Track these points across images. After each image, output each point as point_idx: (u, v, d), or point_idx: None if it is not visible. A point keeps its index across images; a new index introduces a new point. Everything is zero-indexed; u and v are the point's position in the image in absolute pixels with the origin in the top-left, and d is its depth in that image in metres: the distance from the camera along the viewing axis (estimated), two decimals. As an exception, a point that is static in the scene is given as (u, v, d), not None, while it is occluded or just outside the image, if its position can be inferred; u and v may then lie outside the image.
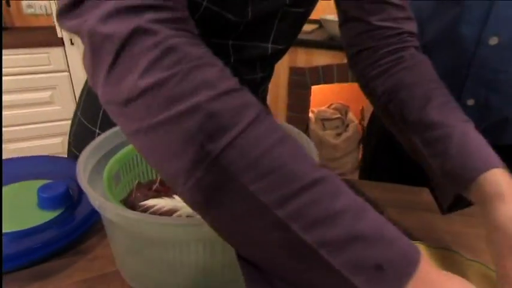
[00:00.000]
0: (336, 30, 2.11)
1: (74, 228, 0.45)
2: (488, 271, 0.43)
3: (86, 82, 0.66)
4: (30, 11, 2.10)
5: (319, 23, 2.12)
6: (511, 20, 0.56)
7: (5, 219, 0.45)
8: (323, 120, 2.43)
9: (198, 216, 0.38)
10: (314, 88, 2.28)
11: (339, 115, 2.47)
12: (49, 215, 0.46)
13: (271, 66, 0.59)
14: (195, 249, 0.34)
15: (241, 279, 0.37)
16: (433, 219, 0.56)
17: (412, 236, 0.49)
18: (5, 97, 1.74)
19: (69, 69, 1.79)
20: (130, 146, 0.47)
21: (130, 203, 0.40)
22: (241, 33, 0.46)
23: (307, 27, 2.12)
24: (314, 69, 2.15)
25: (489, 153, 0.39)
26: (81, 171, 0.37)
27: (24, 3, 2.09)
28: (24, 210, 0.47)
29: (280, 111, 2.30)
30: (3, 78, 1.71)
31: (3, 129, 1.80)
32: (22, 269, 0.42)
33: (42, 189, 0.47)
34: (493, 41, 0.58)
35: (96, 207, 0.34)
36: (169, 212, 0.38)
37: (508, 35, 0.57)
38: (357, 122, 2.46)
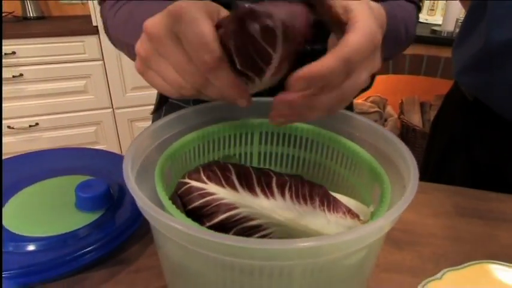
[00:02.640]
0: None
1: (115, 233, 0.39)
2: None
3: None
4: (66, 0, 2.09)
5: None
6: None
7: (40, 221, 0.40)
8: (361, 114, 2.31)
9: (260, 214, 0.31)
10: (351, 80, 2.17)
11: (377, 109, 2.34)
12: (88, 218, 0.40)
13: None
14: (268, 273, 0.27)
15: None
16: (532, 234, 0.47)
17: (509, 254, 0.40)
18: (40, 86, 1.74)
19: (103, 58, 1.76)
20: (180, 141, 0.40)
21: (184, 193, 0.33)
22: None
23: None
24: (353, 60, 2.04)
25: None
26: (129, 169, 0.30)
27: (60, -9, 2.09)
28: (61, 210, 0.41)
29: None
30: (39, 66, 1.70)
31: (42, 117, 1.80)
32: (55, 280, 0.37)
33: (80, 187, 0.41)
34: None
35: (149, 218, 0.27)
36: (227, 207, 0.31)
37: None
38: (396, 116, 2.32)
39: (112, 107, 1.90)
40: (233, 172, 0.34)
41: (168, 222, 0.25)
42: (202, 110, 0.42)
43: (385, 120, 2.33)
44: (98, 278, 0.37)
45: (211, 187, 0.33)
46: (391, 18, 0.41)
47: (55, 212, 0.41)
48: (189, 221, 0.28)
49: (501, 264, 0.39)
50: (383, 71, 2.10)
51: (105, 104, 1.88)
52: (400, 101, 2.38)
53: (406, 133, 2.27)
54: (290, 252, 0.25)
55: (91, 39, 1.72)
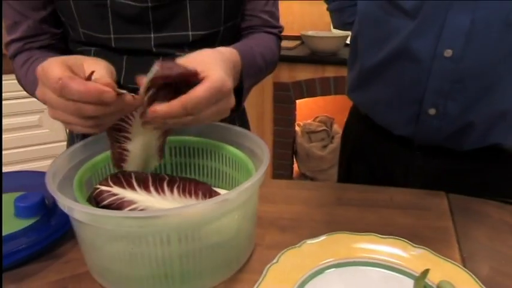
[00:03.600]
0: (317, 45, 2.15)
1: (48, 234, 0.48)
2: (431, 255, 0.47)
3: None
4: (18, 38, 2.16)
5: (301, 39, 2.19)
6: (463, 32, 0.59)
7: (-17, 229, 0.48)
8: (309, 133, 2.48)
9: (154, 208, 0.42)
10: (299, 102, 2.34)
11: (324, 127, 2.52)
12: (25, 223, 0.49)
13: None
14: (152, 241, 0.37)
15: (198, 268, 0.41)
16: (391, 214, 0.60)
17: (370, 230, 0.53)
18: (-7, 122, 1.78)
19: (56, 93, 1.83)
20: (102, 155, 0.51)
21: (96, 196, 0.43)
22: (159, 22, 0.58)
23: (289, 43, 2.19)
24: (297, 84, 2.21)
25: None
26: (50, 178, 0.41)
27: (12, 31, 2.14)
28: (2, 220, 0.50)
29: (267, 125, 2.35)
30: (-8, 103, 1.74)
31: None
32: (-1, 273, 0.45)
33: (19, 199, 0.51)
34: (448, 53, 0.60)
35: (63, 208, 0.37)
36: (128, 203, 0.42)
37: (461, 46, 0.59)
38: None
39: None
40: (133, 177, 0.45)
41: (74, 207, 0.36)
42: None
43: (333, 137, 2.51)
44: (33, 269, 0.46)
45: (115, 189, 0.43)
46: (246, 54, 0.54)
47: (-3, 221, 0.49)
48: (89, 205, 0.38)
49: (350, 233, 0.51)
50: (327, 92, 2.29)
51: (60, 137, 1.93)
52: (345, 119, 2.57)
53: (352, 148, 2.45)
54: (160, 218, 0.36)
55: (44, 76, 1.79)
